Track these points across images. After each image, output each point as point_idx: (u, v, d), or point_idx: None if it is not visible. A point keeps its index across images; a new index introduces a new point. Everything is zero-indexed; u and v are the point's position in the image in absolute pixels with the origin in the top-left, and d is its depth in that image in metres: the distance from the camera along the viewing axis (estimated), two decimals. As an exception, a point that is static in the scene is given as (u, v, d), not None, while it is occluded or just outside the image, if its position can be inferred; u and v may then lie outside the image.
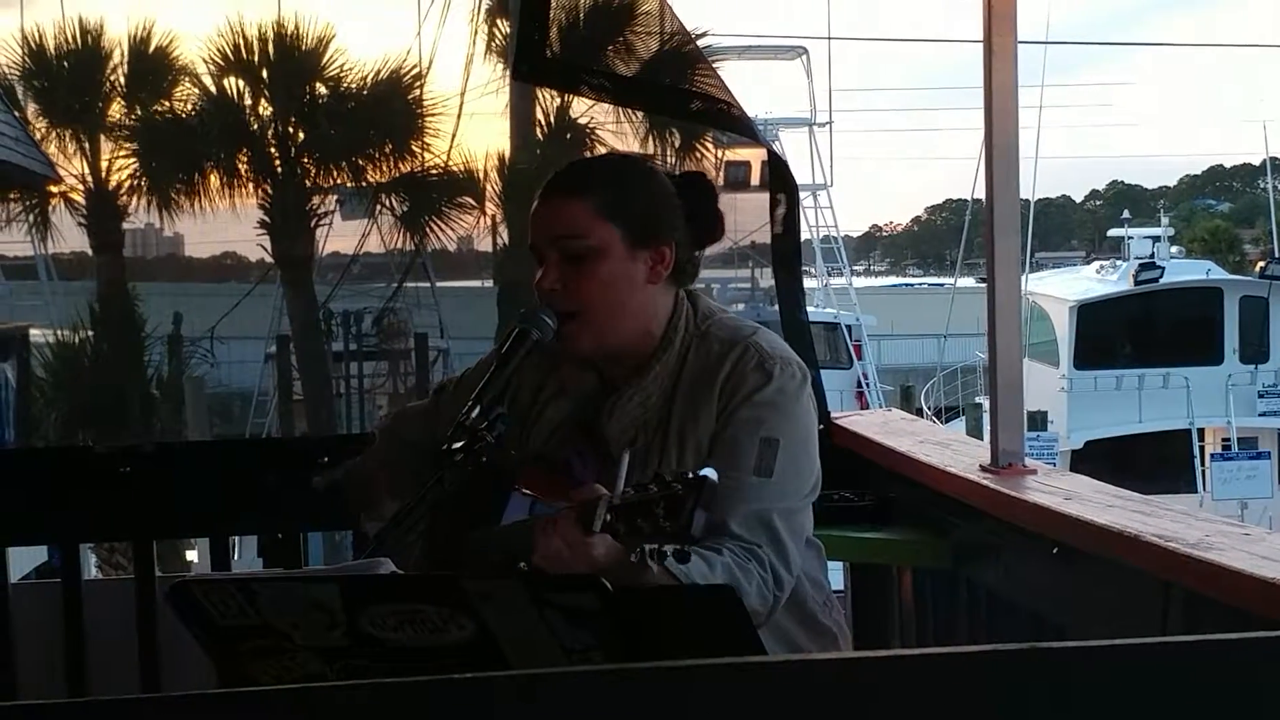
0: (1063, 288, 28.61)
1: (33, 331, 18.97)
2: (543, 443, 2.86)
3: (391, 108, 21.01)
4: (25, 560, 9.69)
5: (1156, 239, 30.32)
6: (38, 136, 19.69)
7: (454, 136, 21.54)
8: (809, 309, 4.65)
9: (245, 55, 20.92)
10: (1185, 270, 28.75)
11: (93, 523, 4.45)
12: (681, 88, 4.43)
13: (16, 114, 18.42)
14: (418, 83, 21.45)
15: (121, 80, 21.46)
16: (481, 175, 21.36)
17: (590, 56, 4.67)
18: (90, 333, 21.23)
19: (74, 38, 21.35)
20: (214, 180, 20.85)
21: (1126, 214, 34.70)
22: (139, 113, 21.38)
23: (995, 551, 3.48)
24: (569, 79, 4.73)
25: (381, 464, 3.02)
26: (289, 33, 20.99)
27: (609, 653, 1.94)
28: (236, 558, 8.80)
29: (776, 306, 4.31)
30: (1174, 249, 32.25)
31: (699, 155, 20.90)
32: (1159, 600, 2.64)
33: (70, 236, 21.97)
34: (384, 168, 21.23)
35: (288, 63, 20.89)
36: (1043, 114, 31.21)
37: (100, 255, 21.77)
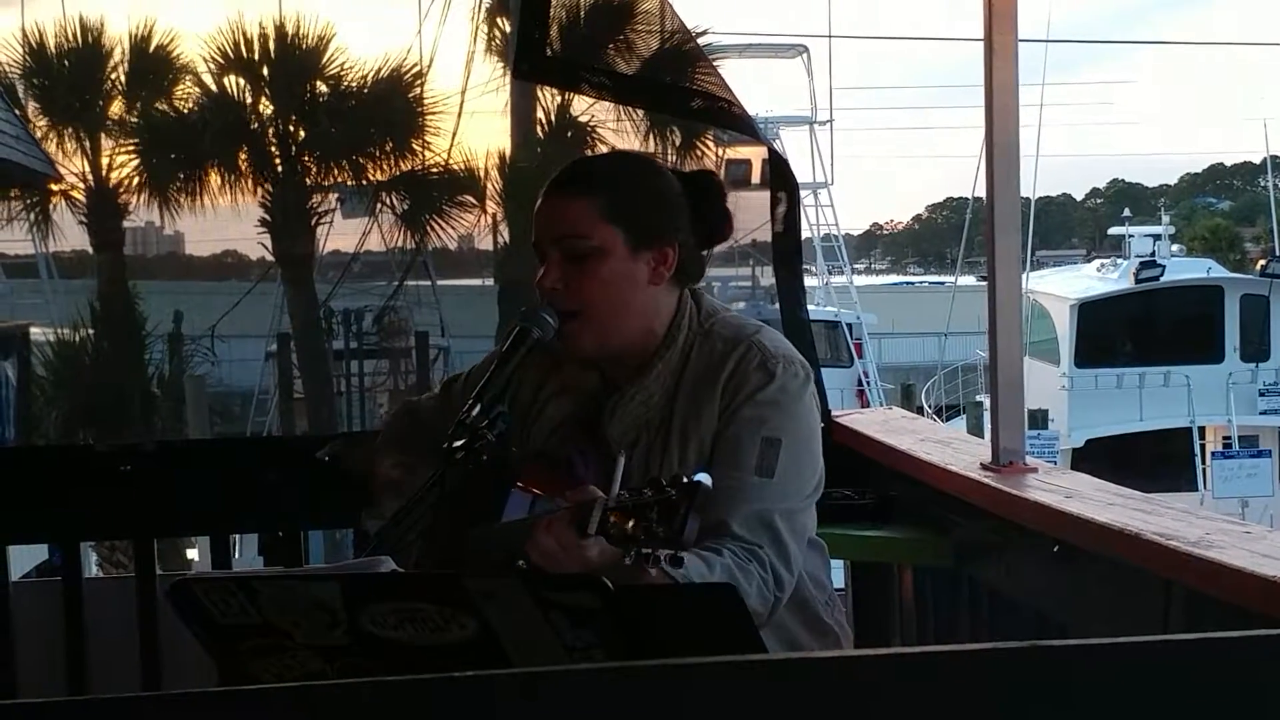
0: (1063, 286, 28.61)
1: (33, 330, 18.96)
2: (544, 441, 2.85)
3: (392, 106, 21.02)
4: (26, 559, 9.70)
5: (1157, 237, 30.35)
6: (38, 135, 19.69)
7: (454, 135, 21.55)
8: (810, 307, 4.65)
9: (246, 54, 20.92)
10: (1186, 268, 28.77)
11: (93, 521, 4.45)
12: (682, 86, 4.43)
13: (17, 112, 18.41)
14: (418, 81, 21.46)
15: (122, 78, 21.46)
16: (482, 174, 21.36)
17: (591, 55, 4.66)
18: (91, 331, 21.24)
19: (74, 36, 21.36)
20: (215, 178, 20.86)
21: (1127, 212, 34.75)
22: (139, 111, 21.39)
23: (996, 550, 3.48)
24: (569, 77, 4.73)
25: (395, 445, 3.01)
26: (290, 31, 21.00)
27: (610, 651, 1.94)
28: (237, 556, 8.81)
29: (777, 305, 4.30)
30: (1175, 247, 32.28)
31: (700, 153, 20.90)
32: (1160, 598, 2.64)
33: (71, 235, 22.00)
34: (385, 166, 21.24)
35: (288, 61, 20.89)
36: (1043, 112, 31.28)
37: (101, 253, 21.78)
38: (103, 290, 21.57)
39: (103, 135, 21.38)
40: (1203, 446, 26.04)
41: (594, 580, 1.98)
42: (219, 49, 20.93)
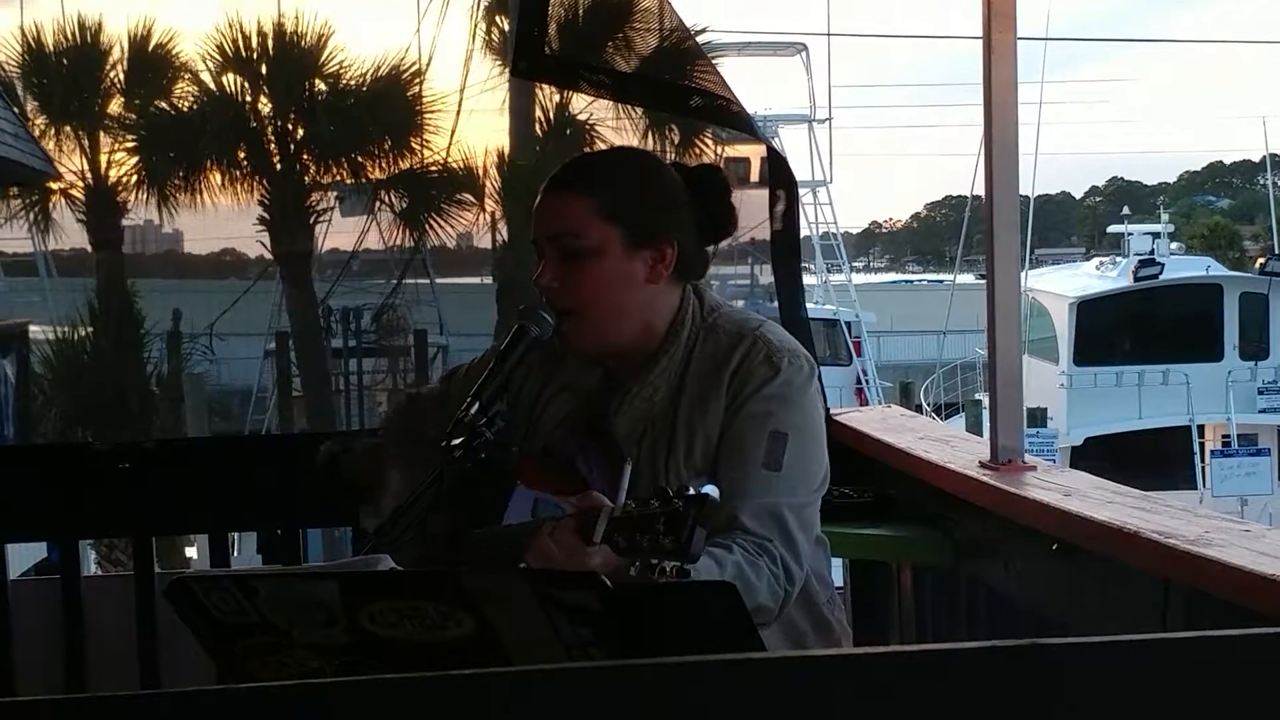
0: (1062, 284, 28.64)
1: (32, 328, 18.94)
2: (549, 438, 2.85)
3: (391, 104, 21.03)
4: (24, 557, 9.69)
5: (1156, 235, 30.38)
6: (37, 133, 19.69)
7: (453, 133, 21.58)
8: (808, 305, 4.65)
9: (244, 52, 20.94)
10: (1185, 267, 28.80)
11: (92, 519, 4.45)
12: (681, 84, 4.43)
13: (15, 110, 18.40)
14: (417, 79, 21.48)
15: (121, 77, 21.47)
16: (481, 172, 21.38)
17: (589, 53, 4.66)
18: (90, 329, 21.25)
19: (73, 34, 21.38)
20: (213, 177, 20.90)
21: (1126, 210, 34.74)
22: (138, 109, 21.40)
23: (995, 548, 3.48)
24: (568, 75, 4.73)
25: (396, 440, 3.01)
26: (288, 29, 21.02)
27: (608, 649, 1.94)
28: (236, 554, 8.81)
29: (776, 303, 4.30)
30: (1174, 245, 32.31)
31: (698, 151, 20.91)
32: (1158, 597, 2.64)
33: (70, 233, 22.03)
34: (383, 164, 21.25)
35: (287, 59, 20.90)
36: (1043, 110, 31.26)
37: (99, 252, 21.80)
38: (101, 288, 21.58)
39: (101, 133, 21.40)
40: (1202, 445, 26.07)
41: (592, 578, 1.98)
42: (218, 47, 20.96)
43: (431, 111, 21.40)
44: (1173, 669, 1.63)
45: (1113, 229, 36.46)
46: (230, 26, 20.86)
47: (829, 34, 37.45)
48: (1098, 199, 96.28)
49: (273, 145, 21.14)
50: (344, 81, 21.16)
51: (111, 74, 21.47)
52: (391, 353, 23.31)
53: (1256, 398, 26.45)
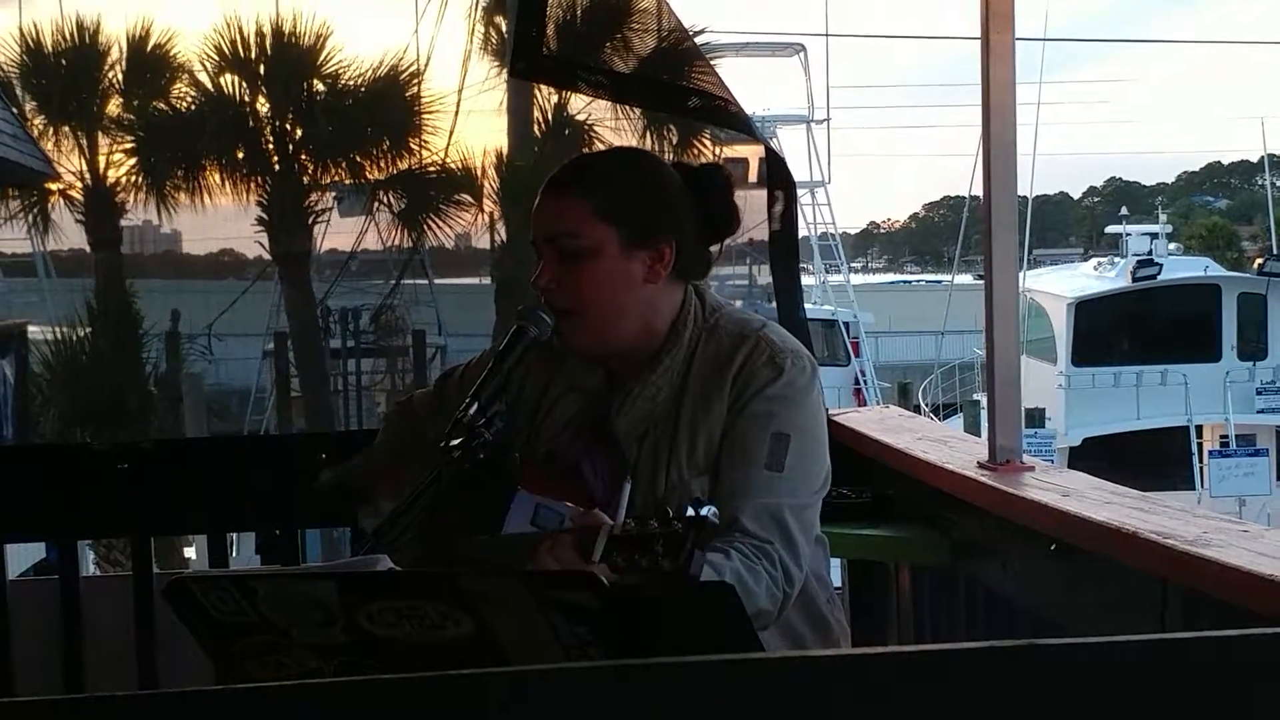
0: (1061, 284, 28.64)
1: (31, 328, 18.94)
2: (551, 440, 2.85)
3: (389, 105, 21.02)
4: (23, 557, 9.70)
5: (1154, 236, 30.40)
6: (35, 133, 19.68)
7: (451, 133, 21.57)
8: (807, 306, 4.64)
9: (243, 52, 20.93)
10: (1183, 267, 28.81)
11: (90, 520, 4.45)
12: (679, 84, 4.43)
13: (14, 111, 18.40)
14: (415, 80, 21.47)
15: (119, 77, 21.46)
16: (479, 172, 21.37)
17: (587, 53, 4.66)
18: (88, 330, 21.25)
19: (71, 35, 21.36)
20: (212, 177, 20.88)
21: (1124, 211, 34.75)
22: (137, 110, 21.39)
23: (993, 548, 3.48)
24: (566, 76, 4.72)
25: (394, 449, 3.01)
26: (287, 30, 21.01)
27: (606, 649, 1.94)
28: (234, 555, 8.80)
29: (774, 303, 4.30)
30: (1172, 246, 32.34)
31: (697, 152, 20.90)
32: (1157, 597, 2.64)
33: (68, 233, 22.02)
34: (382, 164, 21.25)
35: (285, 60, 20.90)
36: (1041, 111, 31.28)
37: (98, 252, 21.79)
38: (100, 289, 21.57)
39: (100, 134, 21.38)
40: (1200, 445, 26.07)
41: (590, 579, 1.98)
42: (216, 47, 20.96)
43: (430, 112, 21.40)
44: (1171, 669, 1.63)
45: (1111, 229, 36.49)
46: (228, 27, 20.88)
47: (827, 34, 37.53)
48: (1096, 199, 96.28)
49: (271, 145, 21.14)
50: (342, 82, 21.16)
51: (110, 74, 21.46)
52: (390, 353, 23.31)
53: (1254, 398, 26.45)
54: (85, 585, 4.43)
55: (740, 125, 4.35)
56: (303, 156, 21.24)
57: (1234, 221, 68.91)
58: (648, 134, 20.60)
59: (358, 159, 21.10)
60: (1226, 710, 1.63)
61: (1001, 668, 1.63)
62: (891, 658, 1.79)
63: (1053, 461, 14.44)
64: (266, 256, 22.31)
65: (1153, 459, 24.81)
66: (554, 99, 20.85)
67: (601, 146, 20.47)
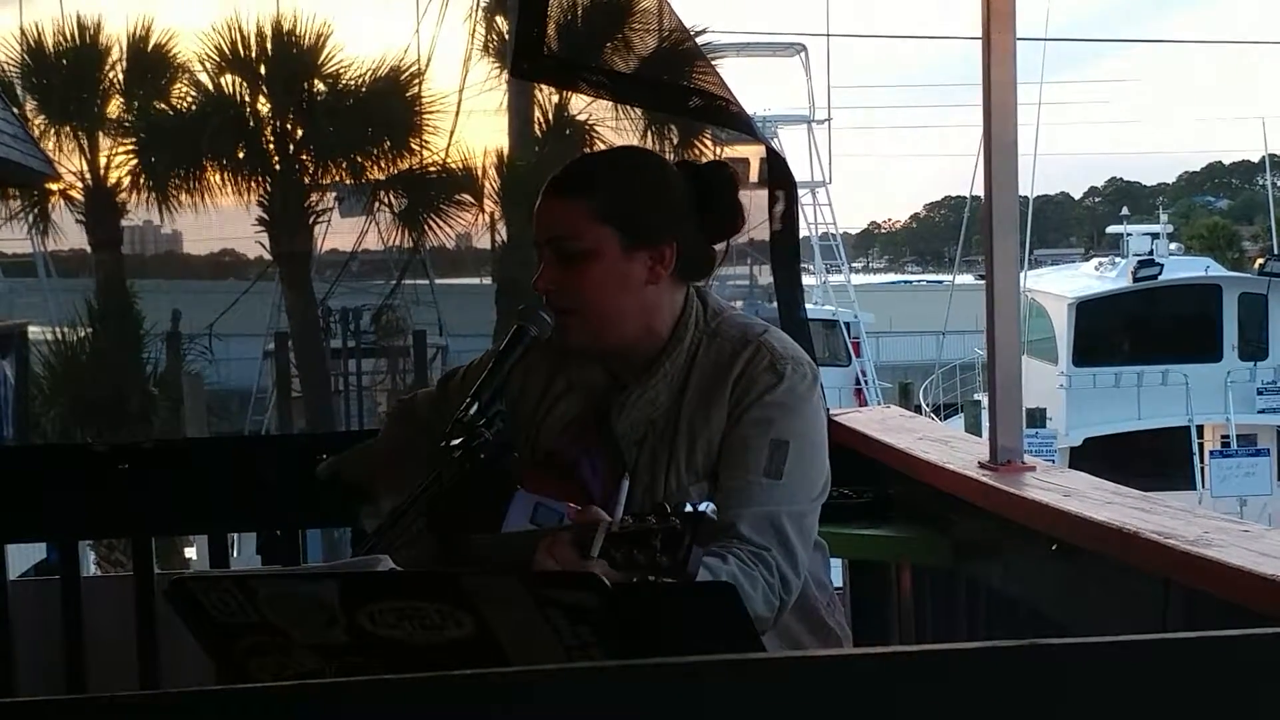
0: (1061, 285, 28.64)
1: (31, 329, 18.93)
2: (552, 440, 2.85)
3: (390, 105, 21.03)
4: (24, 558, 9.70)
5: (1155, 236, 30.39)
6: (36, 134, 19.69)
7: (452, 134, 21.58)
8: (808, 306, 4.65)
9: (243, 52, 20.94)
10: (1184, 267, 28.80)
11: (91, 520, 4.46)
12: (680, 85, 4.43)
13: (15, 111, 18.40)
14: (416, 80, 21.48)
15: (120, 77, 21.47)
16: (480, 172, 21.38)
17: (589, 54, 4.66)
18: (89, 330, 21.26)
19: (72, 35, 21.37)
20: (213, 177, 20.89)
21: (1125, 211, 34.76)
22: (137, 110, 21.40)
23: (994, 548, 3.48)
24: (567, 76, 4.72)
25: (394, 448, 3.01)
26: (287, 30, 21.01)
27: (608, 649, 1.94)
28: (235, 555, 8.80)
29: (775, 304, 4.30)
30: (1173, 246, 32.31)
31: (698, 152, 20.90)
32: (1158, 597, 2.64)
33: (69, 234, 22.03)
34: (382, 165, 21.26)
35: (286, 60, 20.91)
36: (1042, 110, 31.27)
37: (99, 252, 21.80)
38: (101, 289, 21.58)
39: (101, 134, 21.40)
40: (1201, 445, 26.06)
41: (592, 579, 1.98)
42: (216, 48, 20.97)
43: (431, 112, 21.42)
44: (1172, 669, 1.63)
45: (1112, 229, 36.49)
46: (229, 27, 20.90)
47: (828, 34, 37.51)
48: (1097, 199, 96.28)
49: (272, 146, 21.15)
50: (343, 82, 21.17)
51: (111, 74, 21.47)
52: (391, 353, 23.31)
53: (1255, 398, 26.45)
54: (86, 586, 4.43)
55: (741, 125, 4.35)
56: (303, 156, 21.25)
57: (1235, 221, 68.92)
58: (649, 134, 20.60)
59: (358, 159, 21.11)
60: (1228, 710, 1.62)
61: (1003, 668, 1.62)
62: (892, 658, 1.79)
63: (1054, 462, 14.42)
64: (267, 257, 22.32)
65: (1154, 459, 24.80)
66: (555, 99, 20.87)
67: (602, 147, 20.44)
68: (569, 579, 2.11)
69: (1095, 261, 32.28)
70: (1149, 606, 2.68)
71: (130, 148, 21.30)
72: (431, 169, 21.40)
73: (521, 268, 18.26)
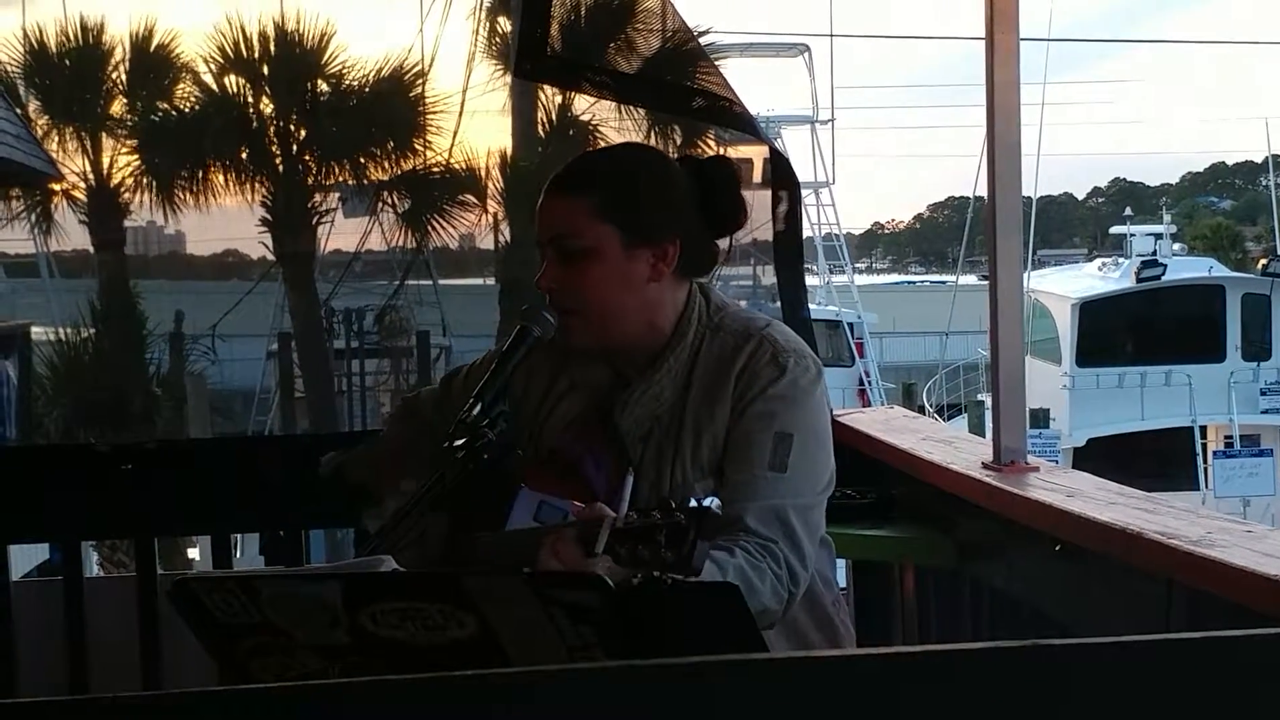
0: (1065, 285, 28.63)
1: (34, 329, 18.95)
2: (556, 438, 2.84)
3: (393, 105, 21.02)
4: (27, 558, 9.70)
5: (1159, 236, 30.36)
6: (39, 134, 19.69)
7: (455, 134, 21.57)
8: (811, 306, 4.65)
9: (246, 52, 20.94)
10: (1187, 268, 28.77)
11: (94, 521, 4.46)
12: (683, 85, 4.42)
13: (18, 112, 18.41)
14: (419, 80, 21.47)
15: (123, 78, 21.47)
16: (483, 173, 21.37)
17: (592, 54, 4.66)
18: (92, 331, 21.25)
19: (75, 35, 21.37)
20: (216, 178, 20.89)
21: (1129, 211, 34.74)
22: (140, 110, 21.40)
23: (998, 549, 3.47)
24: (570, 76, 4.72)
25: (397, 447, 3.01)
26: (290, 30, 21.01)
27: (610, 649, 1.94)
28: (238, 555, 8.81)
29: (778, 304, 4.30)
30: (1176, 246, 32.28)
31: (701, 152, 20.86)
32: (1161, 597, 2.64)
33: (72, 234, 22.04)
34: (386, 165, 21.25)
35: (289, 60, 20.90)
36: (1045, 111, 31.27)
37: (102, 253, 21.80)
38: (104, 289, 21.58)
39: (104, 134, 21.39)
40: (1204, 446, 26.04)
41: (594, 579, 1.98)
42: (219, 48, 20.96)
43: (434, 112, 21.41)
44: (1176, 670, 1.63)
45: (1115, 230, 36.45)
46: (232, 27, 20.88)
47: (831, 35, 37.49)
48: (1100, 200, 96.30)
49: (275, 146, 21.15)
50: (346, 82, 21.16)
51: (114, 75, 21.47)
52: (394, 354, 23.31)
53: (1259, 398, 26.44)
54: (89, 586, 4.43)
55: (744, 126, 4.35)
56: (307, 157, 21.25)
57: (1238, 222, 68.92)
58: (652, 134, 20.58)
59: (362, 159, 21.11)
60: (1231, 710, 1.62)
61: (1006, 668, 1.62)
62: (896, 658, 1.79)
63: (1057, 462, 14.42)
64: (270, 257, 22.31)
65: (1157, 459, 24.78)
66: (558, 99, 20.86)
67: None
68: (572, 579, 2.11)
69: (1099, 262, 32.27)
70: (1152, 607, 2.68)
71: (133, 148, 21.31)
72: (435, 169, 21.40)
73: (524, 268, 18.26)
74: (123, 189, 21.29)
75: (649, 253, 2.74)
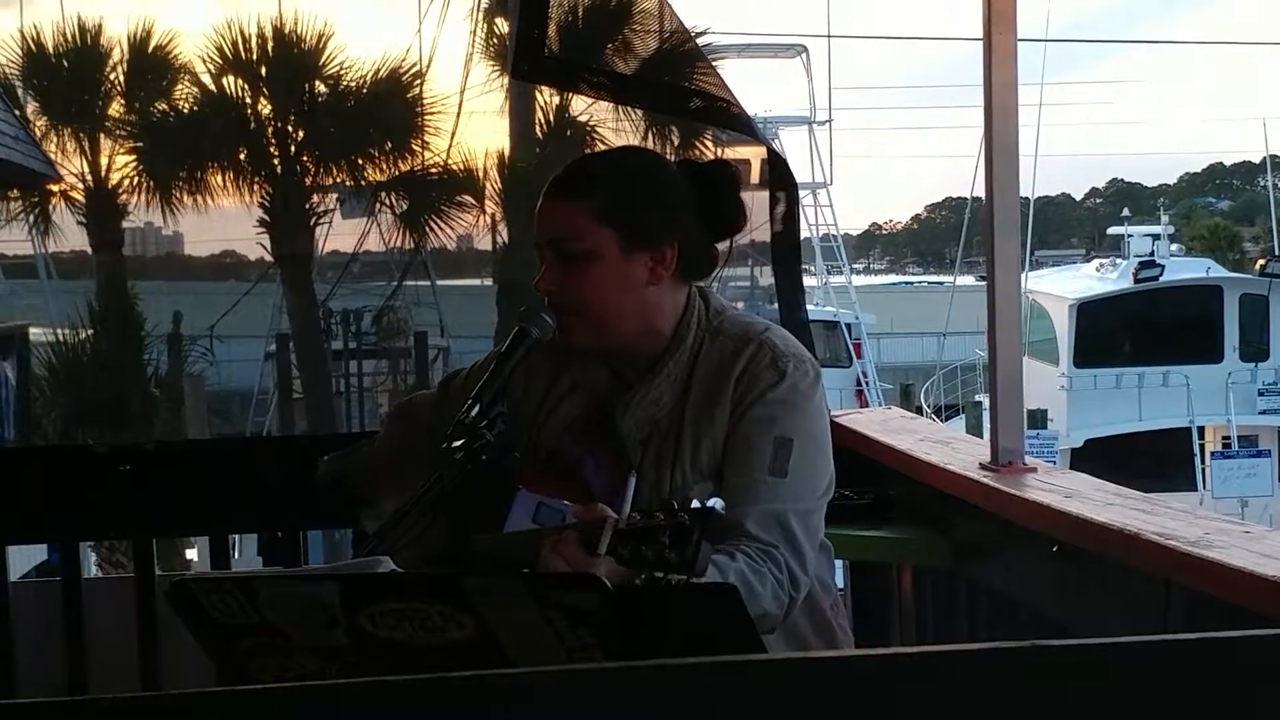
0: (1062, 286, 28.63)
1: (32, 330, 18.94)
2: (556, 440, 2.85)
3: (391, 106, 21.03)
4: (25, 559, 9.70)
5: (1156, 237, 30.35)
6: (38, 135, 19.68)
7: (453, 135, 21.58)
8: (808, 307, 4.65)
9: (244, 53, 20.94)
10: (1185, 268, 28.77)
11: (92, 521, 4.46)
12: (681, 86, 4.42)
13: (16, 113, 18.40)
14: (417, 81, 21.48)
15: (121, 79, 21.47)
16: (481, 174, 21.38)
17: (589, 55, 4.66)
18: (90, 332, 21.24)
19: (73, 36, 21.36)
20: (214, 179, 20.88)
21: (1126, 212, 34.74)
22: (138, 111, 21.39)
23: (995, 549, 3.48)
24: (568, 77, 4.72)
25: (393, 450, 3.01)
26: (288, 31, 21.01)
27: (609, 651, 1.94)
28: (236, 556, 8.81)
29: (776, 305, 4.30)
30: (1174, 247, 32.28)
31: (699, 153, 20.89)
32: (1159, 598, 2.64)
33: (70, 235, 22.03)
34: (383, 166, 21.25)
35: (287, 61, 20.90)
36: (1043, 112, 31.26)
37: (100, 254, 21.79)
38: (102, 290, 21.57)
39: (102, 136, 21.39)
40: (1202, 446, 26.04)
41: (593, 580, 1.98)
42: (217, 49, 20.96)
43: (431, 113, 21.41)
44: (1174, 671, 1.63)
45: (1113, 230, 36.43)
46: (230, 28, 20.89)
47: (829, 35, 37.47)
48: (1098, 200, 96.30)
49: (273, 147, 21.15)
50: (344, 83, 21.16)
51: (112, 76, 21.47)
52: (392, 354, 23.31)
53: (1257, 399, 26.43)
54: (87, 587, 4.43)
55: (742, 126, 4.35)
56: (304, 158, 21.25)
57: (1236, 223, 68.91)
58: (649, 135, 20.60)
59: (359, 160, 21.11)
60: (1229, 711, 1.63)
61: (1004, 669, 1.62)
62: (893, 659, 1.79)
63: (1055, 463, 14.42)
64: (268, 258, 22.30)
65: (1155, 460, 24.78)
66: (555, 100, 20.86)
67: (603, 148, 20.48)
68: (570, 580, 2.11)
69: (1096, 263, 32.27)
70: (1150, 608, 2.68)
71: (131, 149, 21.31)
72: (433, 170, 21.41)
73: (523, 269, 18.27)
74: (121, 190, 21.29)
75: (647, 256, 2.74)
